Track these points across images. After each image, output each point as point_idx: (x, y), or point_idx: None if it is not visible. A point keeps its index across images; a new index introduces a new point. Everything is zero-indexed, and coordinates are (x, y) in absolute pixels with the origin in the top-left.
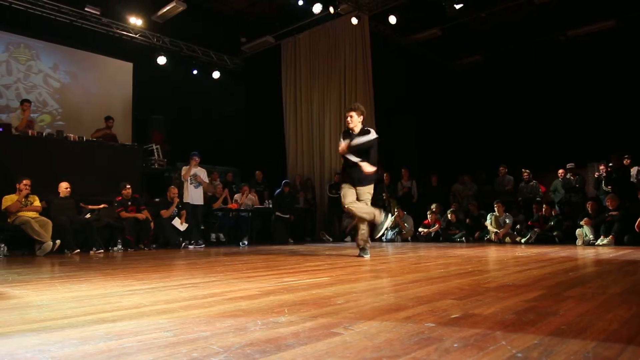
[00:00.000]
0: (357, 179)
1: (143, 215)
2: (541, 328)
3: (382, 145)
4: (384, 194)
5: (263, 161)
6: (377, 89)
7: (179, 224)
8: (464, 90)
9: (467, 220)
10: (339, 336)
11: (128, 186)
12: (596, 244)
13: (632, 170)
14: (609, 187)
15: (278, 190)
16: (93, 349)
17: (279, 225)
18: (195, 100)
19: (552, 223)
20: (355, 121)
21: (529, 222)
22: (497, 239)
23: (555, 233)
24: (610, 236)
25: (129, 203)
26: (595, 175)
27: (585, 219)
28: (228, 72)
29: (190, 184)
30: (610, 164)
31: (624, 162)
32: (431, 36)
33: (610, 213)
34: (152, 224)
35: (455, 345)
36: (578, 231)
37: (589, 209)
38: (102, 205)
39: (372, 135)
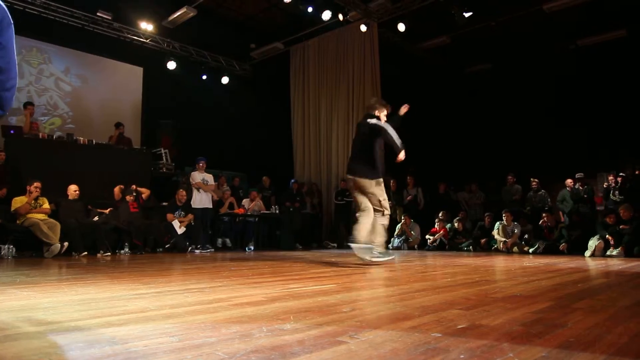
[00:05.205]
0: (353, 169)
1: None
2: (549, 340)
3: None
4: (390, 202)
5: (270, 167)
6: (385, 96)
7: (178, 227)
8: (473, 98)
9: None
10: (345, 345)
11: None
12: (606, 255)
13: None
14: (617, 196)
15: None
16: (99, 353)
17: (285, 231)
18: (204, 105)
19: (561, 233)
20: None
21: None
22: (505, 248)
23: (563, 243)
24: (620, 247)
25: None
26: (605, 186)
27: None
28: (237, 78)
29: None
30: (622, 174)
31: (636, 172)
32: (440, 44)
33: (621, 227)
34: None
35: (462, 356)
36: (590, 242)
37: (608, 222)
38: (109, 210)
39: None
